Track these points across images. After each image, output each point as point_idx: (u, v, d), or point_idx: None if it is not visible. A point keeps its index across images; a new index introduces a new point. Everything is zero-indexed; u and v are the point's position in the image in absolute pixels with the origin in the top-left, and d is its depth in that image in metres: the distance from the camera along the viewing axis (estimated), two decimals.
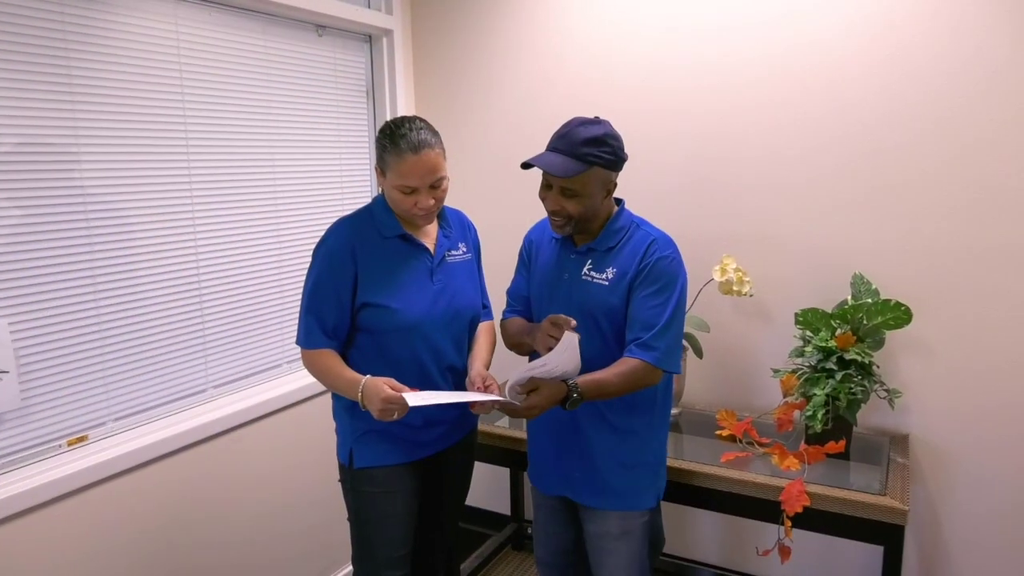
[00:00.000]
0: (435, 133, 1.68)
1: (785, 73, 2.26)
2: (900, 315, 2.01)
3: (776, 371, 2.23)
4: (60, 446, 1.82)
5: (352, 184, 2.69)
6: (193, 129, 2.08)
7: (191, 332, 2.13)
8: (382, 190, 1.75)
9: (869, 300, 2.07)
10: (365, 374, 1.66)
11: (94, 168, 1.84)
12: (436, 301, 1.74)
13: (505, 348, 1.89)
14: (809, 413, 2.00)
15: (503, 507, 3.02)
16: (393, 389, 1.58)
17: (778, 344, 2.34)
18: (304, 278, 1.73)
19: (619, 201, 1.77)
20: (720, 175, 2.40)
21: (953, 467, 2.22)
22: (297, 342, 1.73)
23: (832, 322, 2.10)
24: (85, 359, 1.86)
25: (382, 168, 1.68)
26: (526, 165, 1.65)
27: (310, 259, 1.73)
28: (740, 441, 2.18)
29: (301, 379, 2.44)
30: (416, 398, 1.54)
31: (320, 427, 2.37)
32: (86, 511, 1.83)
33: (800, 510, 1.84)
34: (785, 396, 2.18)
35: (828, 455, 2.01)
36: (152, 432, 2.00)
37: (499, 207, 2.74)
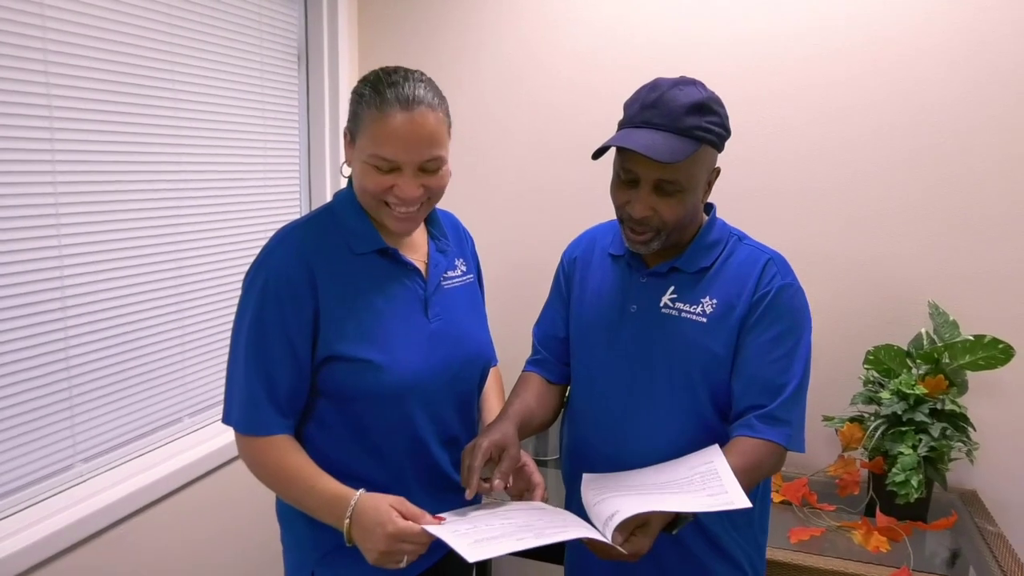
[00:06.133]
0: (441, 96, 1.13)
1: (855, 68, 1.88)
2: (996, 354, 1.66)
3: (828, 419, 1.83)
4: None
5: (277, 176, 2.05)
6: (60, 106, 1.40)
7: (53, 387, 1.44)
8: (349, 173, 1.17)
9: (960, 337, 1.70)
10: (333, 461, 1.11)
11: None
12: (435, 347, 1.18)
13: None
14: (900, 478, 1.59)
15: None
16: (404, 515, 1.02)
17: (828, 385, 1.93)
18: (233, 322, 1.13)
19: (709, 205, 1.28)
20: (756, 180, 1.98)
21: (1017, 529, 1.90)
22: (228, 422, 1.12)
23: (908, 361, 1.72)
24: None
25: (351, 131, 1.11)
26: (604, 150, 1.14)
27: (241, 292, 1.13)
28: (801, 509, 1.75)
29: (216, 436, 1.78)
30: (449, 531, 0.98)
31: (252, 511, 1.74)
32: None
33: None
34: (845, 450, 1.78)
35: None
36: None
37: (478, 215, 2.19)
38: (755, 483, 1.12)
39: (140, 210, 1.60)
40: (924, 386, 1.64)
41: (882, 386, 1.72)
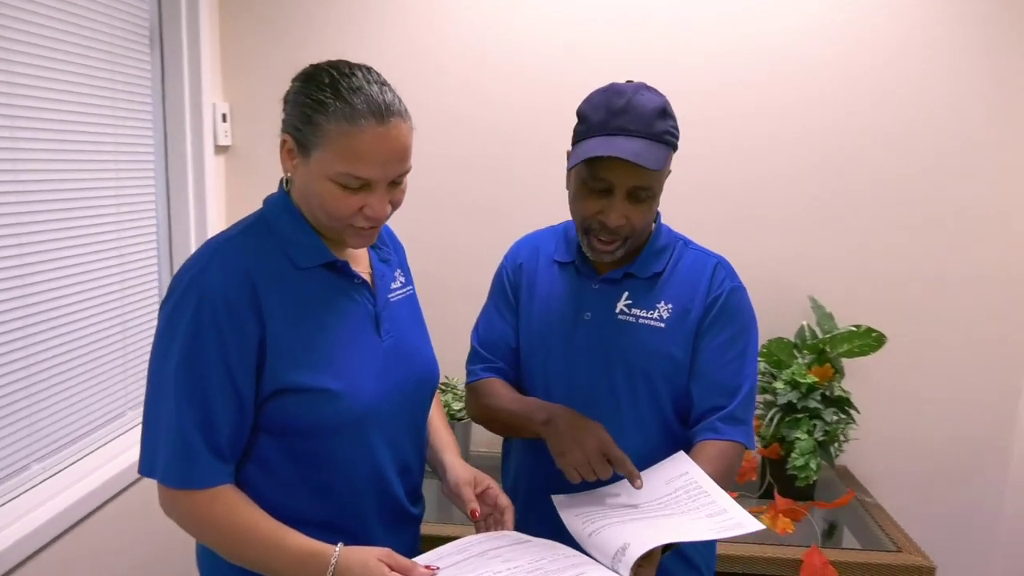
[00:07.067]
0: (399, 97, 1.01)
1: (723, 70, 1.98)
2: (870, 342, 1.83)
3: None
4: None
5: (130, 181, 1.77)
6: None
7: None
8: (287, 184, 1.03)
9: (837, 328, 1.85)
10: (277, 505, 0.97)
11: None
12: (389, 368, 1.06)
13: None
14: (799, 462, 1.71)
15: None
16: (393, 568, 0.91)
17: None
18: (152, 356, 0.95)
19: None
20: None
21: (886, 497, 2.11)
22: (151, 474, 0.94)
23: (795, 352, 1.85)
24: None
25: (303, 142, 0.95)
26: (583, 159, 1.10)
27: (162, 319, 0.95)
28: None
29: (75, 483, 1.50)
30: None
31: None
32: None
33: None
34: None
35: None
36: None
37: None
38: (727, 487, 1.13)
39: None
40: (813, 375, 1.78)
41: (775, 377, 1.84)
